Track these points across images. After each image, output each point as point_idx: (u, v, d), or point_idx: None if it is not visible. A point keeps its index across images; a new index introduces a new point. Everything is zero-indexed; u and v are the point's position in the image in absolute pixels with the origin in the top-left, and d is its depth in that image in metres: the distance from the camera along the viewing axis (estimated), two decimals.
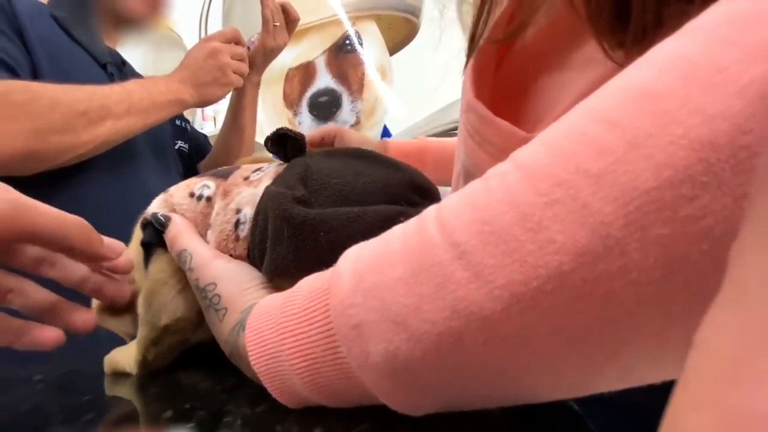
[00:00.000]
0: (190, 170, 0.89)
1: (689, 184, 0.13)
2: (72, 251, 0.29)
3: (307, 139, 0.60)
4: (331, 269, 0.22)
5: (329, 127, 0.71)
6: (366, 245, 0.21)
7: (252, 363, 0.23)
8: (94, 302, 0.34)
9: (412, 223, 0.20)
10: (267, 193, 0.29)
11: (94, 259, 0.30)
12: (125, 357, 0.33)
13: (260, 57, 0.83)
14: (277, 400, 0.23)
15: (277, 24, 0.82)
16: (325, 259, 0.25)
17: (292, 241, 0.26)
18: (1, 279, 0.29)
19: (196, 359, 0.34)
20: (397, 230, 0.21)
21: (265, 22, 0.82)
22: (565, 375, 0.17)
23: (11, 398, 0.33)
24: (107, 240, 0.30)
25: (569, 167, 0.16)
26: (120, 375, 0.34)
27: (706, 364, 0.09)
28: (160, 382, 0.32)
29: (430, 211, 0.20)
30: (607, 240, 0.14)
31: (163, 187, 0.37)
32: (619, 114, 0.15)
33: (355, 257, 0.21)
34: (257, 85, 0.88)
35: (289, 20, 0.84)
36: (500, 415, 0.21)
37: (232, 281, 0.28)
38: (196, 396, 0.29)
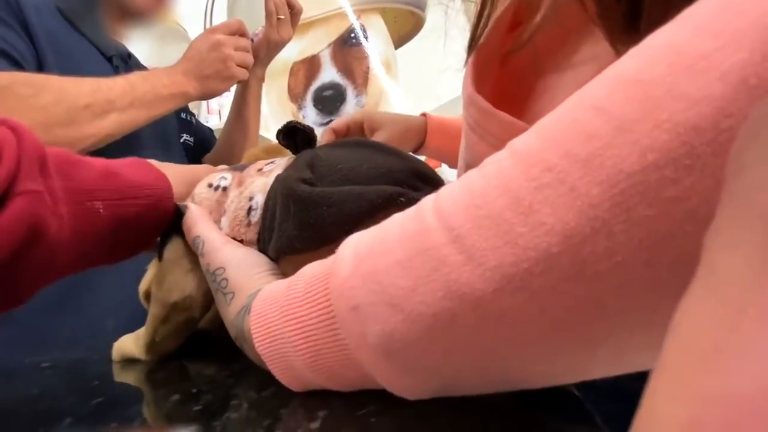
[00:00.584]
0: (195, 163, 0.89)
1: (672, 167, 0.14)
2: None
3: (333, 129, 0.62)
4: (332, 256, 0.23)
5: (355, 115, 0.69)
6: (366, 232, 0.22)
7: (256, 345, 0.24)
8: (141, 288, 0.36)
9: (410, 211, 0.21)
10: (277, 180, 0.30)
11: None
12: (133, 343, 0.34)
13: (264, 51, 0.83)
14: (281, 382, 0.24)
15: (282, 17, 0.82)
16: (328, 232, 0.26)
17: (297, 217, 0.27)
18: None
19: (203, 347, 0.35)
20: (396, 218, 0.21)
21: (268, 14, 0.81)
22: (557, 357, 0.18)
23: (21, 384, 0.34)
24: None
25: (559, 152, 0.16)
26: (128, 362, 0.34)
27: (678, 350, 0.10)
28: (167, 367, 0.33)
29: (428, 200, 0.20)
30: (594, 222, 0.15)
31: None
32: (608, 101, 0.16)
33: (356, 243, 0.22)
34: (261, 79, 0.88)
35: (293, 13, 0.84)
36: (501, 400, 0.21)
37: (241, 267, 0.29)
38: (202, 381, 0.30)
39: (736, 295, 0.09)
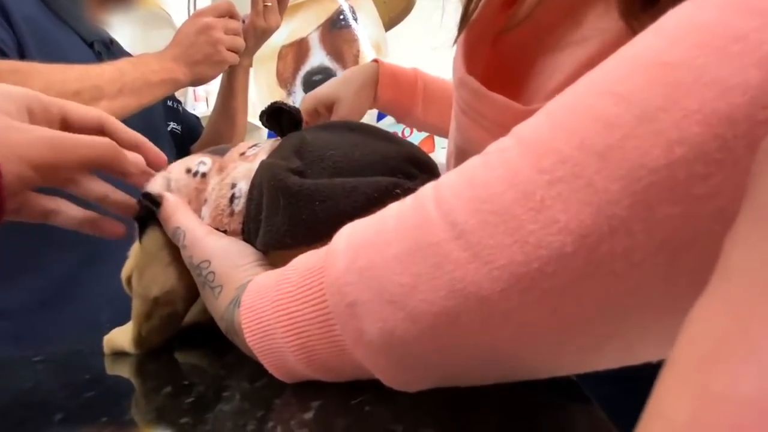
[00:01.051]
0: (182, 152, 0.88)
1: (702, 162, 0.13)
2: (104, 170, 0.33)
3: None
4: (325, 247, 0.22)
5: (305, 105, 0.65)
6: (360, 223, 0.21)
7: (247, 340, 0.23)
8: (123, 275, 0.35)
9: (408, 200, 0.20)
10: (262, 166, 0.29)
11: (123, 175, 0.34)
12: (123, 336, 0.33)
13: (251, 39, 0.81)
14: (274, 376, 0.24)
15: (269, 4, 0.79)
16: (321, 229, 0.25)
17: (287, 211, 0.26)
18: (42, 201, 0.34)
19: (195, 339, 0.35)
20: (393, 208, 0.20)
21: (254, 1, 0.79)
22: (564, 354, 0.17)
23: (12, 379, 0.33)
24: (131, 156, 0.34)
25: (573, 142, 0.15)
26: (120, 355, 0.34)
27: (688, 350, 0.09)
28: (159, 360, 0.32)
29: (428, 189, 0.19)
30: (613, 220, 0.14)
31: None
32: (627, 86, 0.14)
33: (349, 235, 0.21)
34: (248, 68, 0.86)
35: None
36: (496, 386, 0.21)
37: (226, 258, 0.28)
38: (195, 373, 0.30)
39: (749, 299, 0.08)
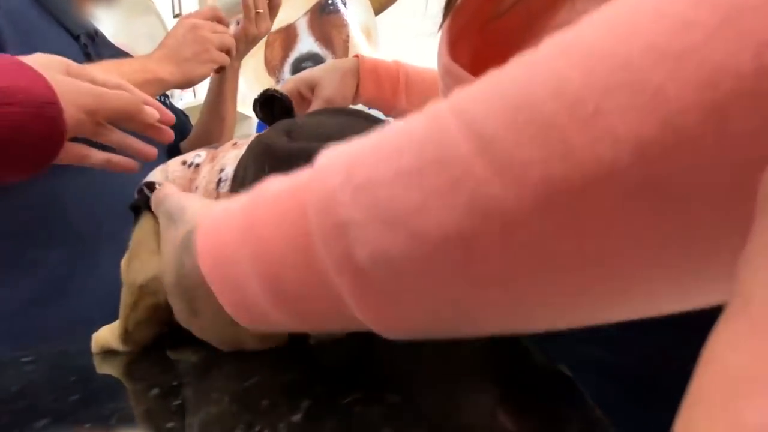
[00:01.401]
0: (171, 147, 0.87)
1: None
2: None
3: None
4: (304, 169, 0.20)
5: (287, 88, 0.65)
6: (350, 143, 0.18)
7: (201, 266, 0.21)
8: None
9: (414, 115, 0.17)
10: (249, 145, 0.29)
11: (143, 125, 0.47)
12: (111, 334, 0.33)
13: (242, 45, 0.80)
14: (229, 312, 0.21)
15: (260, 11, 0.78)
16: None
17: (273, 173, 0.26)
18: (76, 148, 0.45)
19: (187, 336, 0.34)
20: (393, 125, 0.18)
21: (246, 9, 0.78)
22: (583, 299, 0.15)
23: (0, 380, 0.33)
24: (149, 109, 0.46)
25: (638, 45, 0.13)
26: (110, 353, 0.33)
27: (714, 379, 0.09)
28: (149, 358, 0.32)
29: (440, 103, 0.16)
30: (681, 132, 0.12)
31: (147, 163, 0.37)
32: None
33: (337, 155, 0.18)
34: (237, 69, 0.85)
35: (271, 5, 0.80)
36: (490, 382, 0.20)
37: (204, 208, 0.26)
38: (184, 372, 0.29)
39: None
